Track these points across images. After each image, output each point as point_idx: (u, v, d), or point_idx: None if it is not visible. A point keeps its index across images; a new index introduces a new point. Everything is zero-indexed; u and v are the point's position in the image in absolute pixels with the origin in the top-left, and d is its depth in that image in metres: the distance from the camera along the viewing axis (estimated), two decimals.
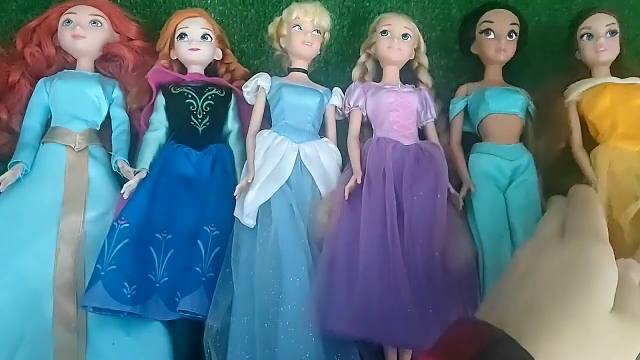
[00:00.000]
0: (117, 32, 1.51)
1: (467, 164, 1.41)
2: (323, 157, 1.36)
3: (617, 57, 1.49)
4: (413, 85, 1.49)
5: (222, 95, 1.45)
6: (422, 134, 1.47)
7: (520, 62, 1.57)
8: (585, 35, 1.48)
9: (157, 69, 1.45)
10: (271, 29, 1.51)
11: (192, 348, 1.22)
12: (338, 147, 1.41)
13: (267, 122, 1.43)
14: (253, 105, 1.43)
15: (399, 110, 1.41)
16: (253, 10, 1.67)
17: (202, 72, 1.49)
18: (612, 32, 1.48)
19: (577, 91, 1.47)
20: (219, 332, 1.18)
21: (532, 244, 0.73)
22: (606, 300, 0.61)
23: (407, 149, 1.37)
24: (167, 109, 1.44)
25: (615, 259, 0.66)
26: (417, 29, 1.49)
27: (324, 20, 1.45)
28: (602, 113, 1.42)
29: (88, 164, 1.37)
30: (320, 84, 1.49)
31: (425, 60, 1.52)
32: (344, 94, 1.47)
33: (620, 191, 1.32)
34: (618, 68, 1.51)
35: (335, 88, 1.48)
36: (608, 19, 1.48)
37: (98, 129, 1.44)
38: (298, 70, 1.47)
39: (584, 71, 1.52)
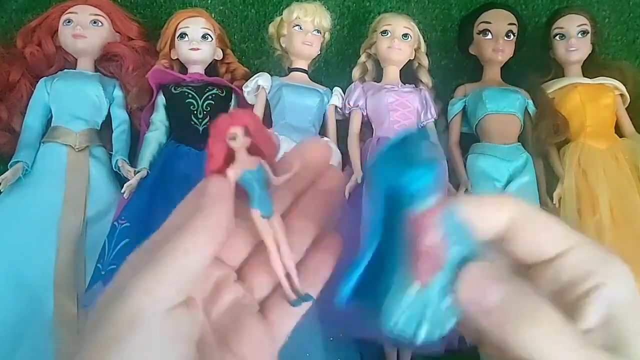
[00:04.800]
0: (118, 32, 1.51)
1: (465, 164, 1.42)
2: None
3: (590, 55, 1.53)
4: (413, 85, 1.49)
5: (223, 94, 1.45)
6: None
7: (519, 62, 1.58)
8: (558, 35, 1.52)
9: (157, 69, 1.45)
10: (271, 28, 1.51)
11: None
12: (338, 146, 1.41)
13: (267, 121, 1.43)
14: (253, 105, 1.43)
15: (399, 110, 1.41)
16: (253, 10, 1.67)
17: (203, 72, 1.48)
18: (584, 33, 1.51)
19: (549, 90, 1.52)
20: None
21: None
22: None
23: None
24: (167, 108, 1.44)
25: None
26: (417, 29, 1.49)
27: (324, 20, 1.45)
28: (572, 112, 1.47)
29: (89, 163, 1.36)
30: (321, 84, 1.49)
31: (425, 60, 1.52)
32: (344, 93, 1.47)
33: (588, 186, 1.37)
34: (591, 66, 1.54)
35: (335, 88, 1.48)
36: (580, 20, 1.51)
37: (98, 128, 1.44)
38: (298, 70, 1.47)
39: (557, 69, 1.56)
